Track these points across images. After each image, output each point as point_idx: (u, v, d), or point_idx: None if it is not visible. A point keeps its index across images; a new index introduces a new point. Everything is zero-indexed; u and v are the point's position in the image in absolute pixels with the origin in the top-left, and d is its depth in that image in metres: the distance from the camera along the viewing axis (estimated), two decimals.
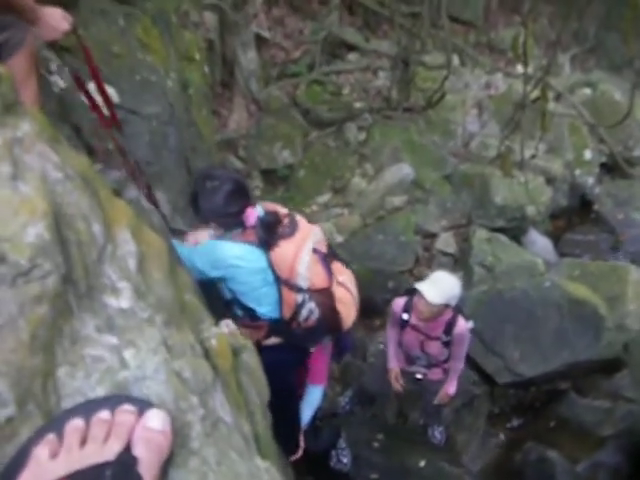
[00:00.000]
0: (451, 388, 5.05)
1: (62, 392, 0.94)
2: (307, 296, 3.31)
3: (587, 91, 10.26)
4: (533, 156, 8.46)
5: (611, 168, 9.59)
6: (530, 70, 7.60)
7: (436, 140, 8.93)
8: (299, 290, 3.28)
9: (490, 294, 6.60)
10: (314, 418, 4.62)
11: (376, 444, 5.74)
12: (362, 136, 8.60)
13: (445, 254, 7.79)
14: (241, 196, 3.24)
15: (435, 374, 5.09)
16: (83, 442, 0.83)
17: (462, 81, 9.69)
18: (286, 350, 3.53)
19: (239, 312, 3.36)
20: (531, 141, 8.26)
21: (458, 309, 4.72)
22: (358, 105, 9.01)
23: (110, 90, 4.19)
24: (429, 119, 9.04)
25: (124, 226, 1.31)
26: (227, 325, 1.58)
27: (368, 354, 6.68)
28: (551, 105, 8.62)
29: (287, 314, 3.35)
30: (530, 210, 8.12)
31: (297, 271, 3.22)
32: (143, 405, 0.91)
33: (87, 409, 0.88)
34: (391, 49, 9.38)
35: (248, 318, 3.35)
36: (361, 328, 6.91)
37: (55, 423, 0.86)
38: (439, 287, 4.41)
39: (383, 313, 6.97)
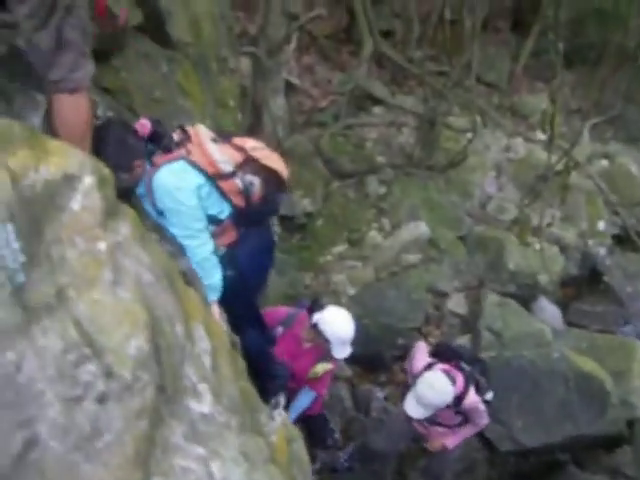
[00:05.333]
0: (451, 442, 5.08)
1: None
2: (240, 174, 3.46)
3: (604, 162, 10.36)
4: (549, 224, 8.53)
5: (623, 240, 9.62)
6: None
7: (454, 200, 8.98)
8: (231, 175, 3.43)
9: (498, 361, 6.59)
10: None
11: None
12: (382, 190, 8.64)
13: (455, 315, 7.82)
14: (126, 124, 3.36)
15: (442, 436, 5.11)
16: None
17: (482, 142, 9.78)
18: (254, 237, 3.69)
19: (211, 227, 3.49)
20: (548, 209, 8.35)
21: (471, 378, 4.79)
22: (380, 159, 9.11)
23: None
24: (449, 178, 9.11)
25: (199, 322, 1.38)
26: (280, 414, 1.64)
27: (371, 409, 6.70)
28: (571, 175, 8.73)
29: (240, 202, 3.50)
30: (542, 279, 8.14)
31: (215, 160, 3.36)
32: None
33: None
34: (416, 106, 9.50)
35: (217, 227, 3.50)
36: (366, 382, 6.94)
37: None
38: (424, 404, 4.63)
39: (389, 369, 7.01)
